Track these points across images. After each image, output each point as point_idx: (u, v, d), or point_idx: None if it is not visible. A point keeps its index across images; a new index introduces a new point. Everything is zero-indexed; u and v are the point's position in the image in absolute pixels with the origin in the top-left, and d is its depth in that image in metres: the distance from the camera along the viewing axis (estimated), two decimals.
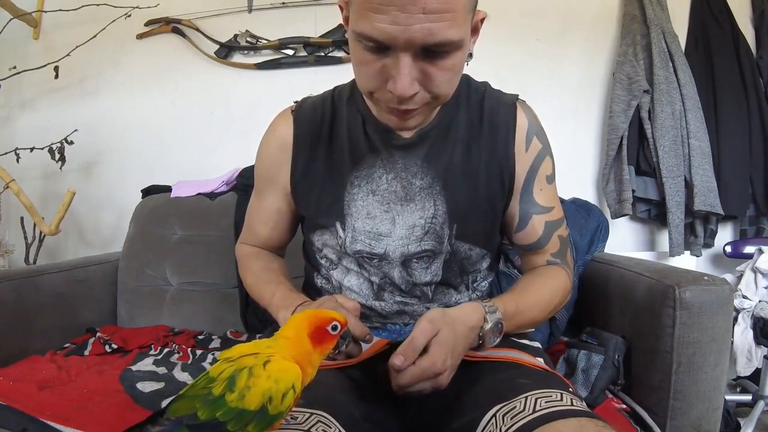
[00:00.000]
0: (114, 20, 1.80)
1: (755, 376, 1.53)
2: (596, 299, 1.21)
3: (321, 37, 1.81)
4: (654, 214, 1.71)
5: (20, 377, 0.98)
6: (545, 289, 0.80)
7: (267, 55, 1.87)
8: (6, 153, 1.78)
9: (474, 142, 0.78)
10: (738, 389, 1.66)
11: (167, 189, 1.68)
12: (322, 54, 1.83)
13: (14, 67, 1.78)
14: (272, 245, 0.94)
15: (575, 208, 1.44)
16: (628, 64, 1.66)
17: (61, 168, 1.82)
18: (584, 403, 0.61)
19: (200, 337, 1.36)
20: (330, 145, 0.81)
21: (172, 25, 1.88)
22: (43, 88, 1.95)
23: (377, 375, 0.74)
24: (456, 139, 0.78)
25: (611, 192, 1.67)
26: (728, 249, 1.65)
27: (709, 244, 1.69)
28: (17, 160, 1.79)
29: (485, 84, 0.83)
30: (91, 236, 2.00)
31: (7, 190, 1.70)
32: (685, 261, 1.65)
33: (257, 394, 0.46)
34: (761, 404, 1.47)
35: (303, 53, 1.85)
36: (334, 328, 0.54)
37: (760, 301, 1.49)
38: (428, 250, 0.78)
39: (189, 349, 1.24)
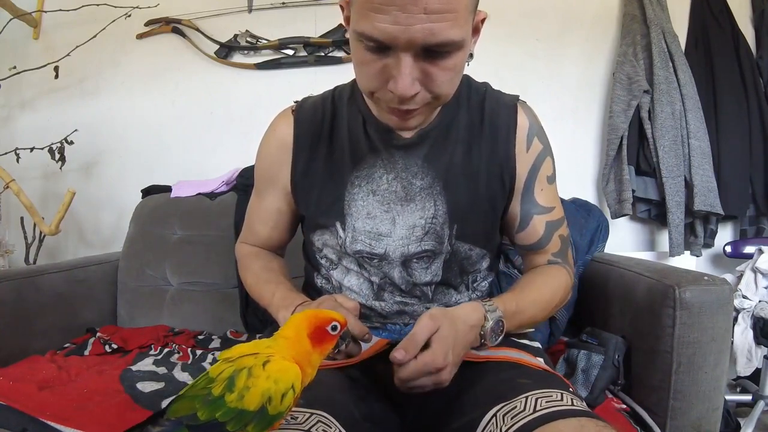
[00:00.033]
0: (114, 20, 1.80)
1: (755, 376, 1.53)
2: (596, 299, 1.21)
3: (321, 37, 1.81)
4: (654, 214, 1.71)
5: (20, 377, 0.98)
6: (546, 288, 0.81)
7: (267, 55, 1.87)
8: (6, 153, 1.78)
9: (474, 142, 0.78)
10: (738, 389, 1.66)
11: (167, 189, 1.68)
12: (322, 54, 1.83)
13: (14, 67, 1.78)
14: (272, 245, 0.94)
15: (575, 208, 1.44)
16: (628, 64, 1.66)
17: (61, 168, 1.82)
18: (584, 403, 0.61)
19: (200, 337, 1.36)
20: (330, 144, 0.81)
21: (172, 25, 1.88)
22: (43, 88, 1.95)
23: (377, 375, 0.74)
24: (456, 139, 0.78)
25: (611, 192, 1.67)
26: (728, 249, 1.65)
27: (709, 244, 1.69)
28: (17, 160, 1.79)
29: (486, 84, 0.83)
30: (91, 236, 2.00)
31: (7, 190, 1.70)
32: (685, 261, 1.65)
33: (256, 394, 0.46)
34: (761, 404, 1.47)
35: (303, 53, 1.85)
36: (334, 328, 0.54)
37: (760, 301, 1.49)
38: (428, 250, 0.78)
39: (189, 349, 1.24)
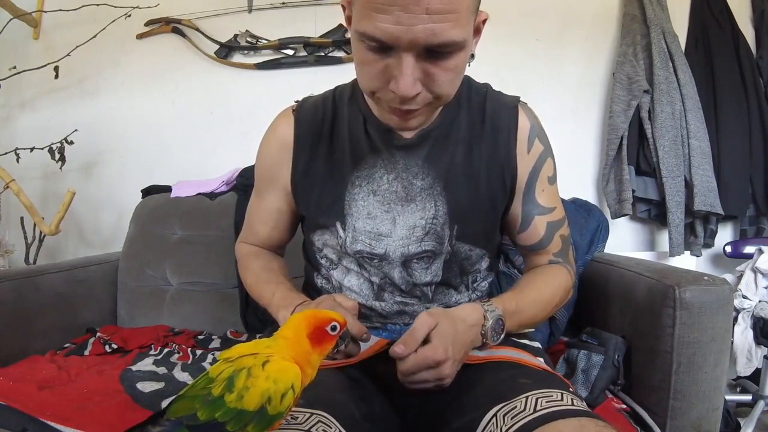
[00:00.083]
0: (114, 20, 1.80)
1: (755, 376, 1.53)
2: (596, 299, 1.21)
3: (321, 37, 1.81)
4: (654, 214, 1.71)
5: (20, 377, 0.98)
6: (546, 287, 0.81)
7: (267, 55, 1.87)
8: (6, 153, 1.78)
9: (475, 143, 0.78)
10: (738, 389, 1.66)
11: (167, 189, 1.68)
12: (322, 54, 1.83)
13: (14, 67, 1.78)
14: (272, 245, 0.94)
15: (575, 208, 1.44)
16: (628, 64, 1.66)
17: (61, 168, 1.82)
18: (584, 403, 0.61)
19: (200, 337, 1.36)
20: (331, 144, 0.81)
21: (172, 25, 1.88)
22: (43, 88, 1.95)
23: (378, 375, 0.74)
24: (457, 139, 0.78)
25: (611, 192, 1.67)
26: (728, 249, 1.65)
27: (709, 244, 1.69)
28: (17, 160, 1.79)
29: (486, 86, 0.83)
30: (91, 236, 2.00)
31: (7, 190, 1.70)
32: (685, 261, 1.65)
33: (256, 394, 0.46)
34: (761, 404, 1.47)
35: (303, 53, 1.85)
36: (333, 328, 0.54)
37: (760, 301, 1.49)
38: (428, 250, 0.78)
39: (189, 349, 1.24)
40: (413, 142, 0.77)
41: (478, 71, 0.84)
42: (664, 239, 1.72)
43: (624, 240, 1.79)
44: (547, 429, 0.53)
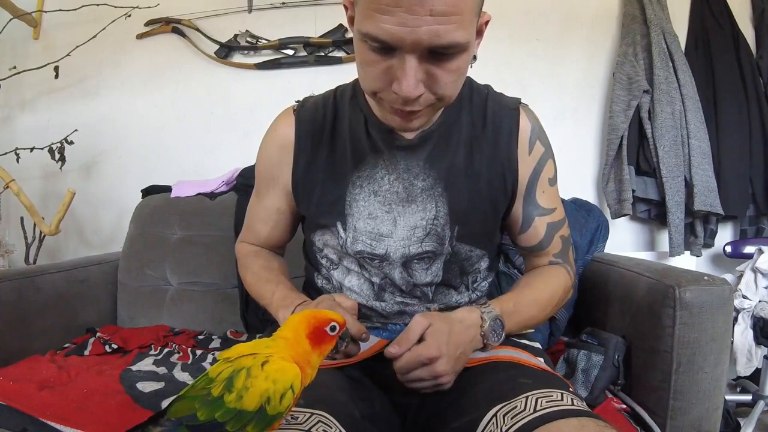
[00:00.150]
0: (114, 20, 1.80)
1: (755, 376, 1.53)
2: (596, 299, 1.21)
3: (321, 37, 1.81)
4: (654, 214, 1.71)
5: (20, 377, 0.98)
6: (545, 288, 0.81)
7: (267, 55, 1.87)
8: (6, 153, 1.78)
9: (476, 144, 0.78)
10: (738, 389, 1.66)
11: (167, 189, 1.67)
12: (322, 54, 1.83)
13: (14, 67, 1.78)
14: (272, 244, 0.94)
15: (575, 208, 1.44)
16: (628, 64, 1.66)
17: (61, 168, 1.82)
18: (584, 403, 0.61)
19: (200, 337, 1.36)
20: (332, 145, 0.81)
21: (172, 25, 1.88)
22: (43, 88, 1.95)
23: (378, 375, 0.74)
24: (458, 141, 0.78)
25: (611, 192, 1.67)
26: (728, 249, 1.65)
27: (709, 244, 1.69)
28: (17, 160, 1.79)
29: (488, 87, 0.83)
30: (91, 236, 2.00)
31: (7, 190, 1.70)
32: (685, 261, 1.65)
33: (255, 394, 0.46)
34: (761, 404, 1.47)
35: (303, 53, 1.85)
36: (333, 328, 0.54)
37: (760, 301, 1.49)
38: (429, 251, 0.78)
39: (189, 349, 1.24)
40: (414, 143, 0.77)
41: (478, 71, 0.84)
42: (664, 239, 1.72)
43: (624, 240, 1.79)
44: (547, 429, 0.53)
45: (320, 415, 0.57)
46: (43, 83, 1.92)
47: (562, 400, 0.58)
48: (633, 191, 1.62)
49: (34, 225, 1.75)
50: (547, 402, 0.57)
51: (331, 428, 0.56)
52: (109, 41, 1.85)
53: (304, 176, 0.81)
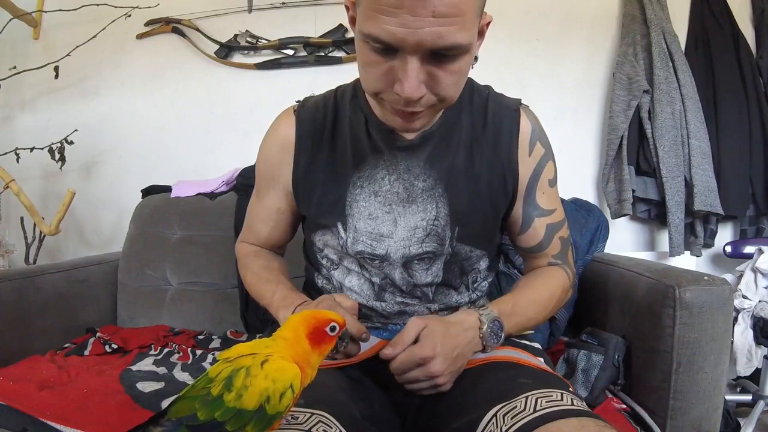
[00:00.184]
0: (114, 20, 1.80)
1: (755, 376, 1.53)
2: (596, 299, 1.21)
3: (321, 37, 1.81)
4: (654, 214, 1.71)
5: (20, 377, 0.98)
6: (544, 288, 0.81)
7: (267, 55, 1.87)
8: (6, 153, 1.78)
9: (477, 145, 0.78)
10: (738, 389, 1.66)
11: (167, 189, 1.67)
12: (322, 54, 1.83)
13: (14, 67, 1.78)
14: (272, 244, 0.94)
15: (575, 208, 1.44)
16: (628, 64, 1.66)
17: (61, 168, 1.82)
18: (584, 403, 0.61)
19: (200, 337, 1.36)
20: (332, 145, 0.80)
21: (172, 25, 1.88)
22: (43, 88, 1.95)
23: (378, 375, 0.74)
24: (459, 141, 0.78)
25: (611, 192, 1.67)
26: (728, 249, 1.65)
27: (709, 244, 1.69)
28: (17, 160, 1.79)
29: (488, 88, 0.83)
30: (91, 236, 2.00)
31: (7, 190, 1.70)
32: (685, 261, 1.65)
33: (254, 393, 0.46)
34: (761, 404, 1.47)
35: (303, 53, 1.85)
36: (333, 329, 0.54)
37: (760, 301, 1.49)
38: (429, 251, 0.78)
39: (189, 349, 1.24)
40: (415, 144, 0.77)
41: (478, 71, 0.84)
42: (664, 239, 1.72)
43: (624, 240, 1.79)
44: (547, 429, 0.54)
45: (320, 415, 0.57)
46: (43, 83, 1.92)
47: (562, 400, 0.58)
48: (633, 191, 1.62)
49: (34, 225, 1.76)
50: (547, 402, 0.57)
51: (331, 428, 0.56)
52: (109, 41, 1.85)
53: (305, 176, 0.81)
